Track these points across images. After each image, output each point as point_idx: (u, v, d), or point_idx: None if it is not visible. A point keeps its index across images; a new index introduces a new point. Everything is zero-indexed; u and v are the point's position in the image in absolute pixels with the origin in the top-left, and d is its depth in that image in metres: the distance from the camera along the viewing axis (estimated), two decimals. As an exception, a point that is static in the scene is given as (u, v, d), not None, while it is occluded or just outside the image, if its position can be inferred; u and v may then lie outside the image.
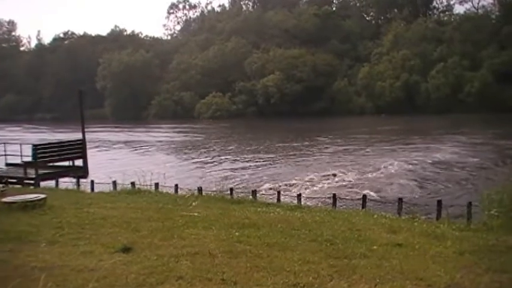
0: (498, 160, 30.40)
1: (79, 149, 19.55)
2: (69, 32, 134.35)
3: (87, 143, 20.06)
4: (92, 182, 18.19)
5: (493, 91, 74.44)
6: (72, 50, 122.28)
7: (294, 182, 23.76)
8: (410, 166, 28.57)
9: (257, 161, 32.80)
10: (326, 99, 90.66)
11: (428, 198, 18.41)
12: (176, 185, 16.28)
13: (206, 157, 36.06)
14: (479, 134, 46.18)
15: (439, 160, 30.81)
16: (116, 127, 78.40)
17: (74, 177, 19.34)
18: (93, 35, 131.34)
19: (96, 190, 17.15)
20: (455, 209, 13.25)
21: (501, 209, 10.24)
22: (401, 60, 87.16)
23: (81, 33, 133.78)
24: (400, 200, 13.18)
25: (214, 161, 33.63)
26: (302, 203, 13.65)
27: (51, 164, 19.35)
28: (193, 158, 35.86)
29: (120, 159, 36.65)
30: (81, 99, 20.42)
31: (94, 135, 54.02)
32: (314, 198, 17.01)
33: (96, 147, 43.91)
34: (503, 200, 10.63)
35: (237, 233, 7.98)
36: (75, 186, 18.22)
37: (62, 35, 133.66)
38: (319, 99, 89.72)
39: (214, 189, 15.04)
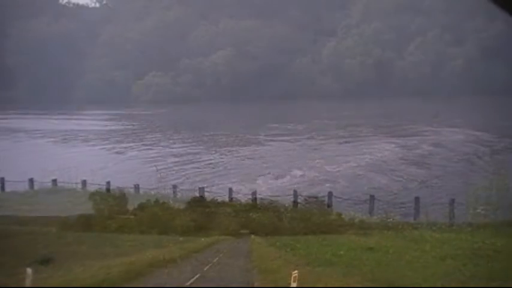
0: (486, 151, 31.11)
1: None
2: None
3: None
4: (3, 179, 17.76)
5: (479, 70, 75.76)
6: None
7: (247, 177, 23.78)
8: (385, 158, 28.99)
9: (204, 154, 32.68)
10: (285, 80, 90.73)
11: (405, 195, 18.75)
12: (108, 183, 16.07)
13: (142, 149, 35.69)
14: (463, 120, 47.18)
15: (417, 151, 31.38)
16: (32, 113, 76.45)
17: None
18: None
19: (7, 189, 16.77)
20: (436, 208, 13.55)
21: (488, 207, 10.51)
22: (373, 33, 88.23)
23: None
24: (372, 197, 13.40)
25: (152, 154, 33.29)
26: (258, 202, 13.69)
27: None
28: (126, 151, 35.41)
29: (40, 153, 35.81)
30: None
31: (4, 123, 52.63)
32: (272, 196, 17.06)
33: (7, 138, 42.77)
34: (491, 196, 10.91)
35: (181, 238, 7.97)
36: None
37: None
38: (277, 79, 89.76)
39: (153, 186, 14.92)
